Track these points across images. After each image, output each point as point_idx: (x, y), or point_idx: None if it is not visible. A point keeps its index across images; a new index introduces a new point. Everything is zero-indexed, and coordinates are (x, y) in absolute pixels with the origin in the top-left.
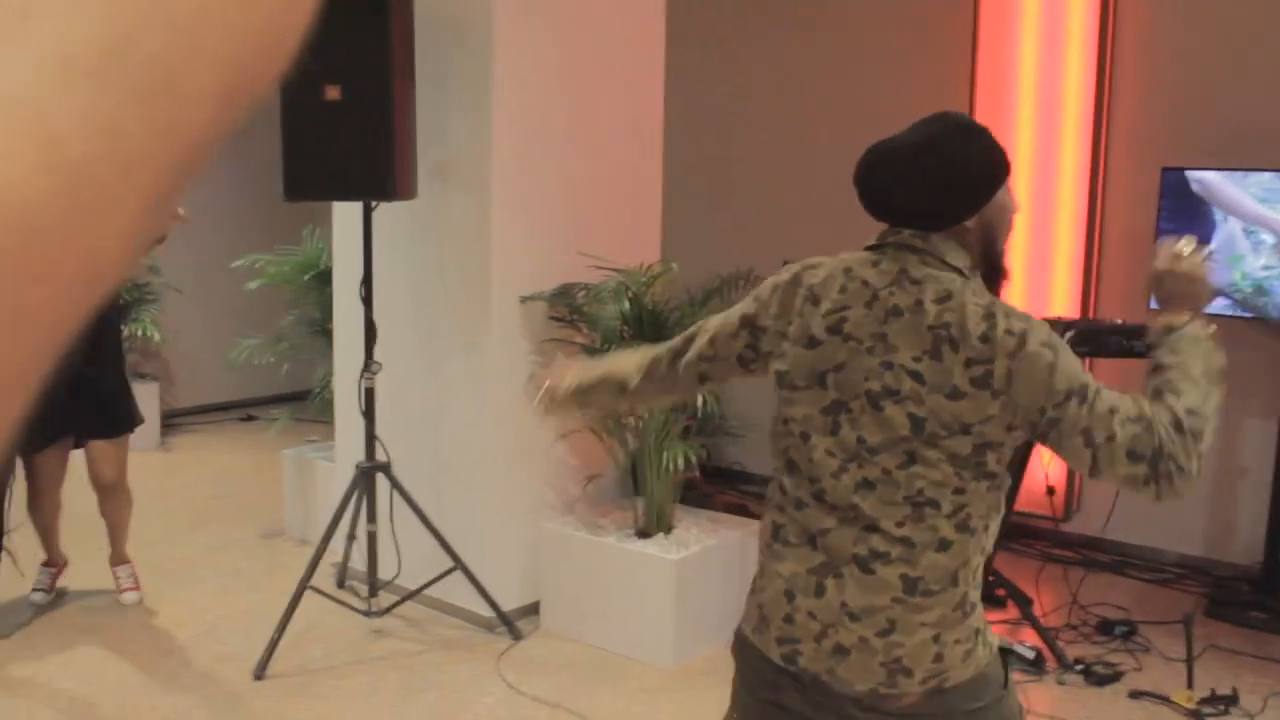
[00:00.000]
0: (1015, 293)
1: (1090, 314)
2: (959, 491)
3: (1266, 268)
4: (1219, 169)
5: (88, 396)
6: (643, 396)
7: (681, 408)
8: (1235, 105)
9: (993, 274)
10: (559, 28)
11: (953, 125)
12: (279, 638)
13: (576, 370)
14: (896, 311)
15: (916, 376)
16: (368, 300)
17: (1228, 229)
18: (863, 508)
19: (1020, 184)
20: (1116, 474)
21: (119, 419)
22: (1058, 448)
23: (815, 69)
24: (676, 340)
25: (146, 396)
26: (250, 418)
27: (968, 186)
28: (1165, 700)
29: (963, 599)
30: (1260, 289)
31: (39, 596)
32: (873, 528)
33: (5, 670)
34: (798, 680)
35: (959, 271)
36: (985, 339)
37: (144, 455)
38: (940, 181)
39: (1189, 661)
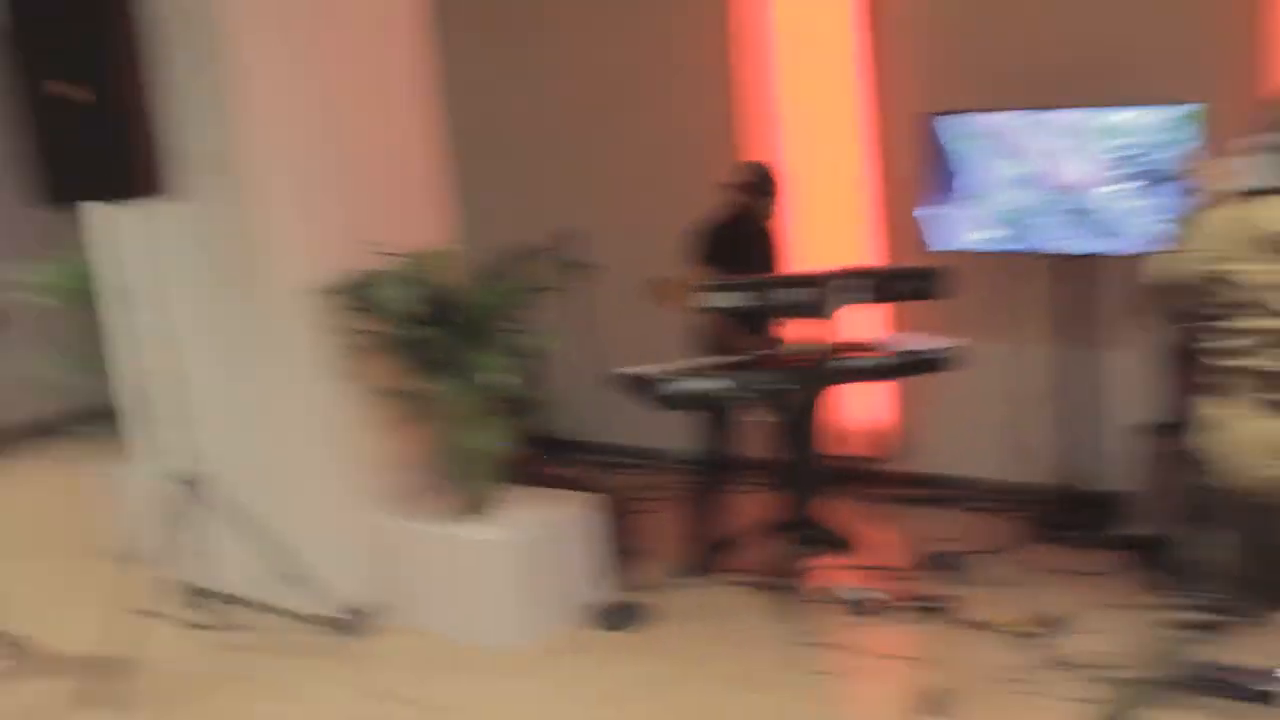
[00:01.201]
0: (810, 249)
1: (882, 260)
2: None
3: (1032, 204)
4: (985, 110)
5: None
6: None
7: (496, 386)
8: (998, 46)
9: None
10: (303, 9)
11: None
12: (124, 659)
13: None
14: None
15: None
16: (151, 310)
17: (996, 168)
18: None
19: (794, 137)
20: None
21: None
22: None
23: (585, 36)
24: None
25: None
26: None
27: None
28: (992, 626)
29: None
30: (1026, 224)
31: None
32: None
33: None
34: None
35: None
36: None
37: None
38: None
39: (988, 588)
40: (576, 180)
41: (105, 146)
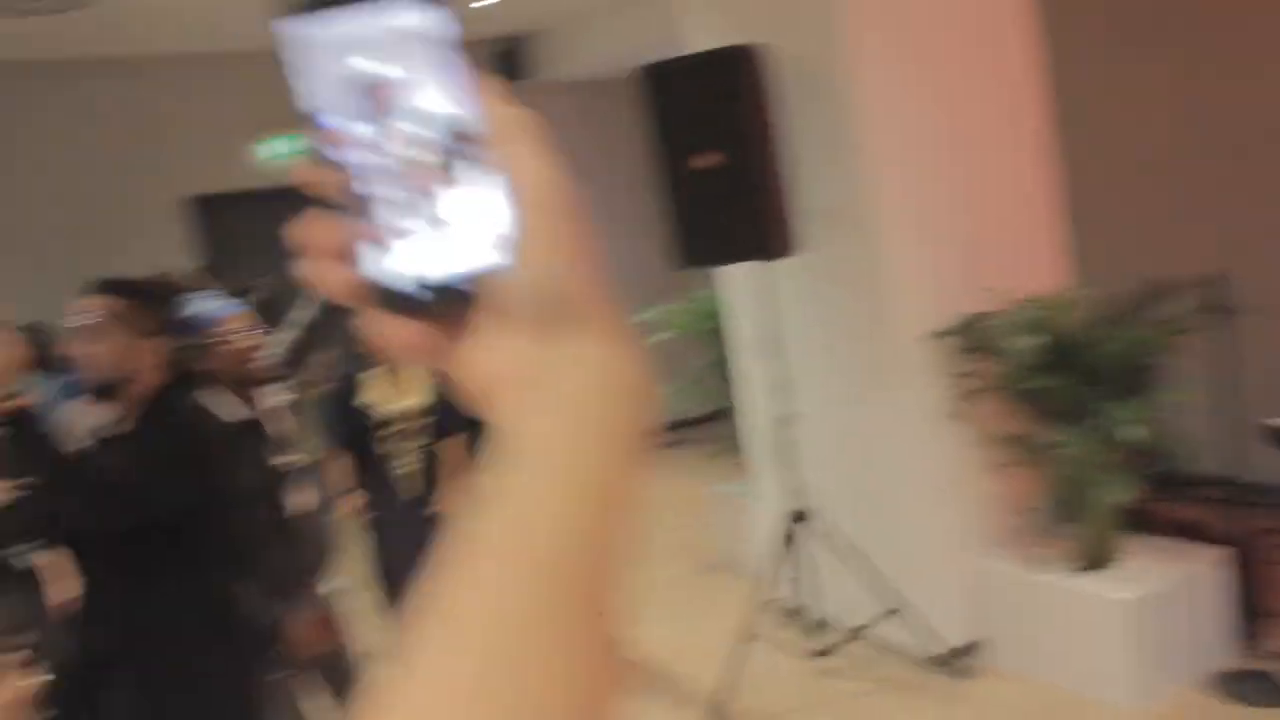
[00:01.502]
0: None
1: None
2: None
3: None
4: None
5: None
6: None
7: (1125, 438)
8: None
9: None
10: (919, 58)
11: None
12: (731, 687)
13: None
14: None
15: None
16: (772, 354)
17: None
18: None
19: None
20: None
21: None
22: None
23: (1238, 60)
24: None
25: None
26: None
27: None
28: None
29: None
30: None
31: None
32: None
33: None
34: None
35: None
36: None
37: None
38: None
39: None
40: (1211, 216)
41: (740, 213)
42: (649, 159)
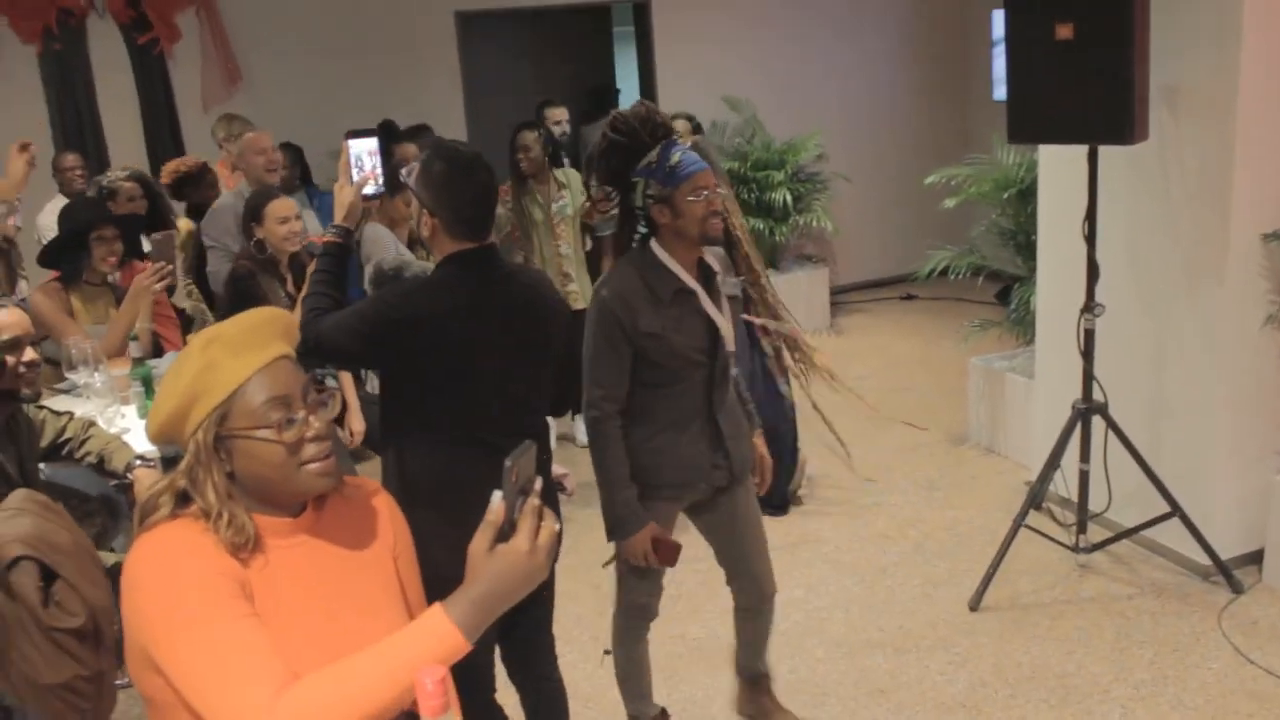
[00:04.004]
0: None
1: None
2: None
3: None
4: None
5: None
6: None
7: None
8: None
9: None
10: None
11: None
12: (993, 572)
13: None
14: None
15: None
16: (1090, 239)
17: None
18: None
19: None
20: None
21: None
22: None
23: None
24: None
25: (816, 279)
26: (910, 296)
27: None
28: None
29: None
30: None
31: None
32: None
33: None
34: None
35: None
36: None
37: (816, 337)
38: None
39: None
40: None
41: (1091, 91)
42: (1007, 24)
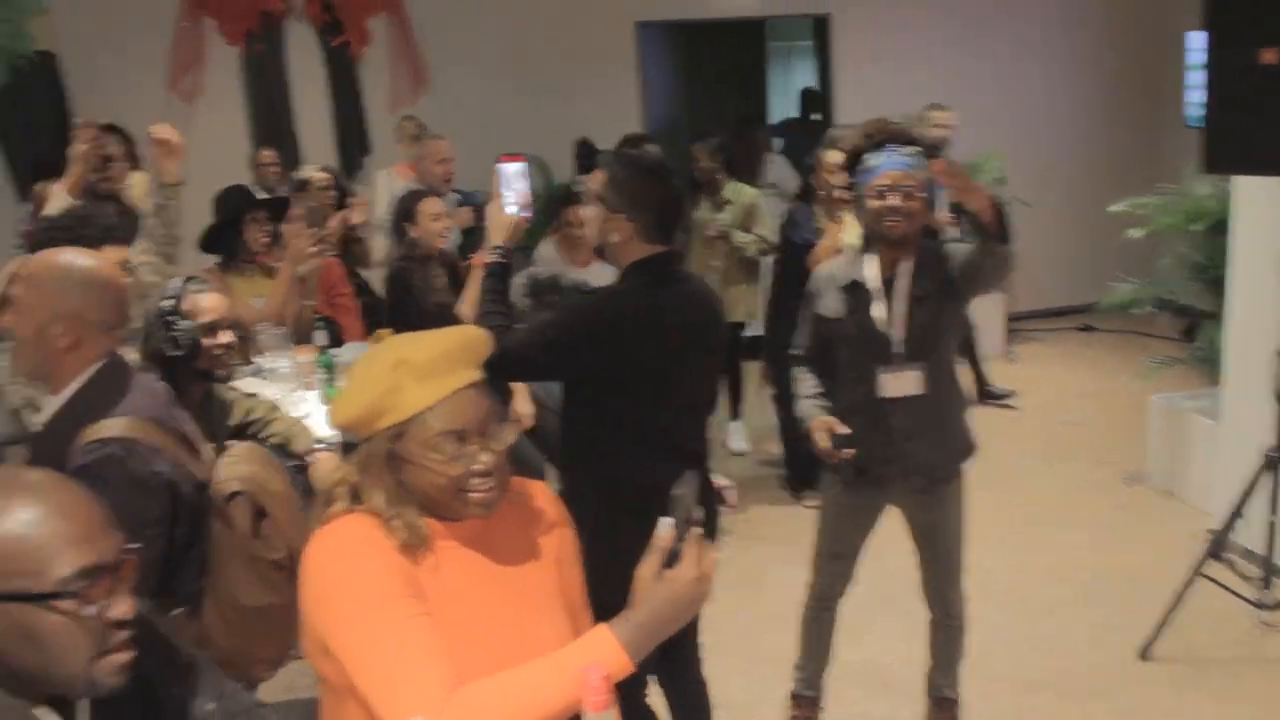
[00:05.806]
0: None
1: None
2: None
3: None
4: None
5: None
6: None
7: None
8: None
9: None
10: None
11: None
12: (1167, 621)
13: None
14: None
15: None
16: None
17: None
18: None
19: None
20: None
21: None
22: None
23: None
24: None
25: (992, 304)
26: (1088, 328)
27: None
28: None
29: None
30: None
31: None
32: None
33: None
34: None
35: None
36: None
37: (991, 363)
38: None
39: None
40: None
41: None
42: (1207, 47)
